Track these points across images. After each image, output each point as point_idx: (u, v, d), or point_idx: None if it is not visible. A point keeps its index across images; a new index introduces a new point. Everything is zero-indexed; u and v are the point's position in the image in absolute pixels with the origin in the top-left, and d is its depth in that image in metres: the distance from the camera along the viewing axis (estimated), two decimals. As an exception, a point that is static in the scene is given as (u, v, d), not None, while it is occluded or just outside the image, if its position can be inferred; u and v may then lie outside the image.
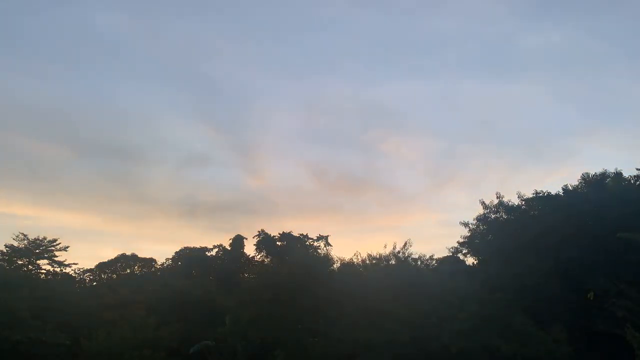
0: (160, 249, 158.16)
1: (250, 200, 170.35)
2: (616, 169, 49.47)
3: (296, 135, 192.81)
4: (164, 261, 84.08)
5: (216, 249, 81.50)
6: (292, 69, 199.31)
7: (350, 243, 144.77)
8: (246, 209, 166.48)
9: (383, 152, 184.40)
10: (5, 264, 58.72)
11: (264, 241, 78.54)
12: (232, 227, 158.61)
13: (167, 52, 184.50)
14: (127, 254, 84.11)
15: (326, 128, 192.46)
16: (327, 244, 78.42)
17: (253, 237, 79.76)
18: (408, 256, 47.86)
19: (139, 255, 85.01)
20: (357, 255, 48.84)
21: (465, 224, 55.28)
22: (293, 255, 57.47)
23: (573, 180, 52.17)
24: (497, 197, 53.30)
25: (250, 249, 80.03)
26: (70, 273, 70.00)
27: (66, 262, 63.87)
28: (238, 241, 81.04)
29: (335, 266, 50.53)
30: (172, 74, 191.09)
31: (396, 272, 44.52)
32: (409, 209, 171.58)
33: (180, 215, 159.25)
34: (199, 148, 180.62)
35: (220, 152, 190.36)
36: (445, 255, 59.74)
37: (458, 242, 57.08)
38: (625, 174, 49.19)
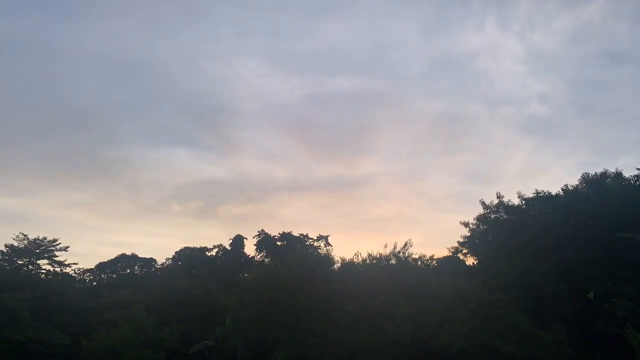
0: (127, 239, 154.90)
1: (232, 183, 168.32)
2: (616, 169, 49.50)
3: (280, 108, 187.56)
4: (164, 261, 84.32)
5: (216, 249, 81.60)
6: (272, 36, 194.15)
7: (350, 228, 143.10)
8: (227, 193, 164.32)
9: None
10: (6, 264, 58.75)
11: (264, 241, 78.65)
12: (208, 213, 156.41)
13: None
14: (127, 253, 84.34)
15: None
16: (327, 244, 78.65)
17: (253, 237, 79.99)
18: (408, 256, 47.88)
19: (139, 255, 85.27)
20: (357, 255, 48.93)
21: (466, 224, 55.37)
22: (293, 256, 57.36)
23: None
24: (498, 197, 53.36)
25: (250, 249, 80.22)
26: (70, 273, 70.14)
27: (66, 262, 64.06)
28: (238, 241, 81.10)
29: (335, 266, 50.60)
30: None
31: (396, 272, 44.48)
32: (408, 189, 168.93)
33: (153, 199, 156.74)
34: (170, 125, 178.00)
35: (196, 134, 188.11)
36: (445, 255, 59.93)
37: (458, 242, 57.23)
38: (625, 174, 49.23)
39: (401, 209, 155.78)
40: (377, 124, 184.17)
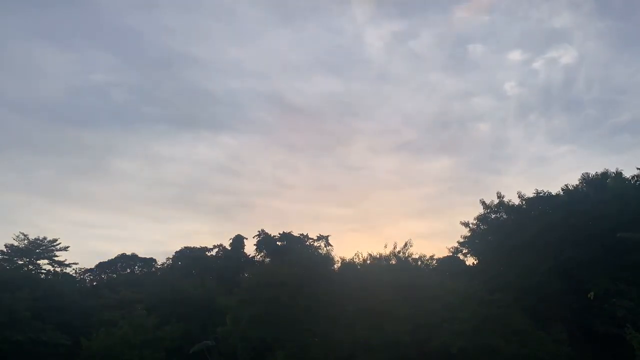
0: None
1: (217, 170, 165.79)
2: (616, 168, 49.36)
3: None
4: (164, 261, 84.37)
5: (216, 249, 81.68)
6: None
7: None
8: (211, 180, 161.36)
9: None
10: (6, 264, 58.74)
11: (264, 241, 78.68)
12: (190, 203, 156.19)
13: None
14: (127, 253, 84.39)
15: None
16: (328, 244, 78.73)
17: (253, 237, 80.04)
18: (408, 256, 47.91)
19: (139, 255, 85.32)
20: (357, 255, 48.94)
21: (466, 224, 55.27)
22: (293, 255, 57.43)
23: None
24: (498, 197, 53.31)
25: (250, 249, 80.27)
26: (70, 273, 70.14)
27: (66, 262, 64.05)
28: (238, 241, 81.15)
29: (335, 266, 50.62)
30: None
31: (396, 272, 44.49)
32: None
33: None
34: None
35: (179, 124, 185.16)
36: (445, 255, 59.91)
37: (458, 242, 57.13)
38: (626, 174, 49.16)
39: (399, 202, 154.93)
40: (371, 113, 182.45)
